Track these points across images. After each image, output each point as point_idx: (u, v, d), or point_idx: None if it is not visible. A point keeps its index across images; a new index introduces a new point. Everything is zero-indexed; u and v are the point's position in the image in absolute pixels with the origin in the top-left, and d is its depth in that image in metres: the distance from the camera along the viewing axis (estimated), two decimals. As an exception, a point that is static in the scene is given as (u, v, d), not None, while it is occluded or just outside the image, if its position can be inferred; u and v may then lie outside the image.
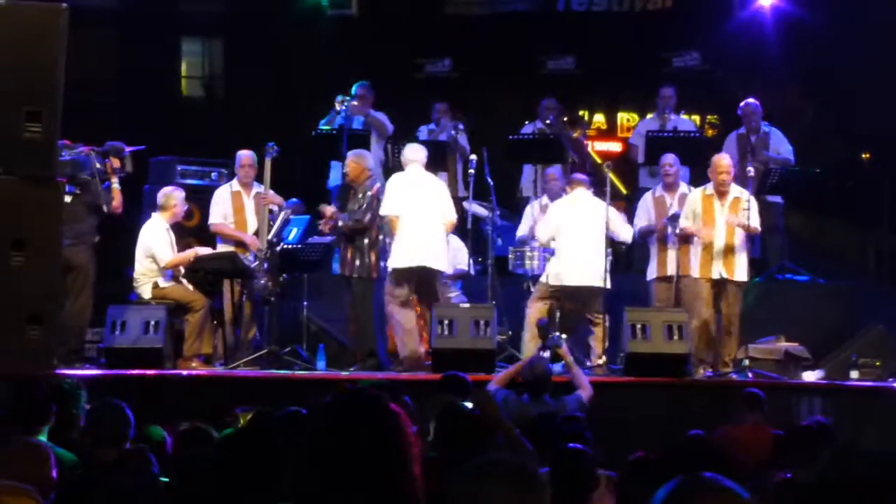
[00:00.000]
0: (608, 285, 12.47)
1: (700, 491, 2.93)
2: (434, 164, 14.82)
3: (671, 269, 13.04)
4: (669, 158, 13.53)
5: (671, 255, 13.09)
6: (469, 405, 5.20)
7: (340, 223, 12.64)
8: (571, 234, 12.60)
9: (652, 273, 13.36)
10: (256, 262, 12.77)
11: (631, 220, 13.42)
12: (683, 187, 13.49)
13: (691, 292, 12.71)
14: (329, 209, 12.94)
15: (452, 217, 12.70)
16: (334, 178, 14.85)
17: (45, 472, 5.30)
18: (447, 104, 15.75)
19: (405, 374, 12.08)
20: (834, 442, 7.12)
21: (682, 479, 2.95)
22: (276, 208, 13.14)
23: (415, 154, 12.81)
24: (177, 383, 11.69)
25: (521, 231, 13.84)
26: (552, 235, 12.81)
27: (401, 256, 12.42)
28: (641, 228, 13.55)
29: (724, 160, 12.77)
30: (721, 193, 12.64)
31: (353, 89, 14.82)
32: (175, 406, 9.92)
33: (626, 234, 12.89)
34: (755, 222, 12.53)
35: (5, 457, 5.33)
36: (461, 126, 15.06)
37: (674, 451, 5.18)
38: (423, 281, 12.52)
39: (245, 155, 13.35)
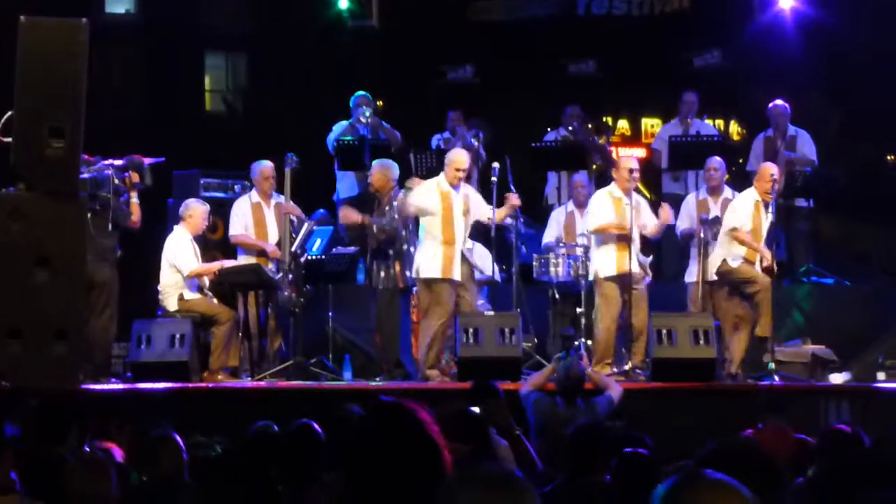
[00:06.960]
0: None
1: (700, 486, 2.90)
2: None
3: (711, 274, 12.77)
4: (715, 162, 13.36)
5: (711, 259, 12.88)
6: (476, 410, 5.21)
7: (375, 228, 12.63)
8: None
9: (691, 276, 13.24)
10: (280, 274, 12.77)
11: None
12: (727, 192, 13.36)
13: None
14: (357, 214, 12.90)
15: None
16: (342, 191, 14.78)
17: (105, 486, 5.36)
18: (461, 112, 15.70)
19: (432, 383, 12.09)
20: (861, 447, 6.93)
21: (682, 475, 2.92)
22: (295, 219, 13.10)
23: None
24: (203, 396, 11.70)
25: (547, 238, 13.82)
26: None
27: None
28: (683, 231, 13.51)
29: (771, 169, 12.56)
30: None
31: (354, 100, 14.75)
32: (202, 419, 9.90)
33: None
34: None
35: (66, 470, 5.40)
36: (480, 134, 14.92)
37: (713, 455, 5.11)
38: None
39: (264, 166, 13.22)
